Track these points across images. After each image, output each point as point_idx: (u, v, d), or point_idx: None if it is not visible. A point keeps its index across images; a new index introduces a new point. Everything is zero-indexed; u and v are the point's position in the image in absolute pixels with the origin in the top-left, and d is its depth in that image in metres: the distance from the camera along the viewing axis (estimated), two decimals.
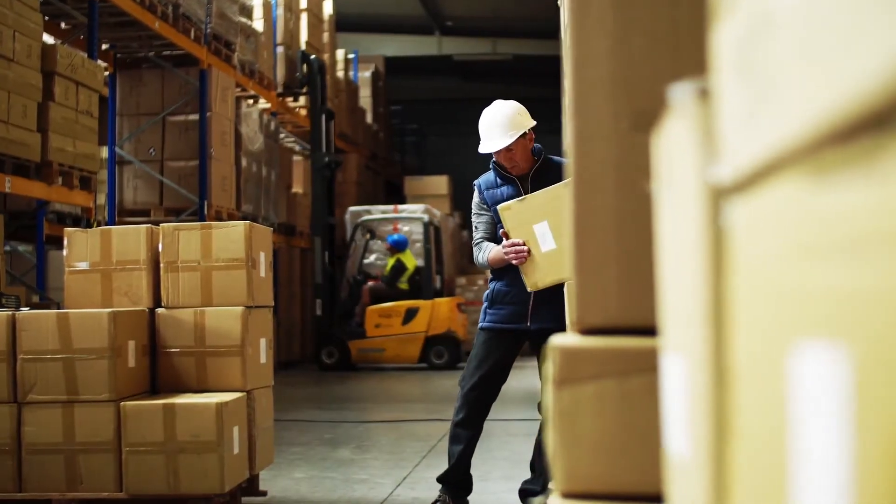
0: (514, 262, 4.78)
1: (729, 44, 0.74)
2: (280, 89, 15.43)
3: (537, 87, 26.55)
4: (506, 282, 5.11)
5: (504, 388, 13.63)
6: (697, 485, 0.85)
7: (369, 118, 21.79)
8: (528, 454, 7.35)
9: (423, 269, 15.93)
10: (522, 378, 14.02)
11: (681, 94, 0.85)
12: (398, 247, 16.02)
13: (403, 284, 15.79)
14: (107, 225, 10.56)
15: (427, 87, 26.92)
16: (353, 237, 16.24)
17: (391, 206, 18.02)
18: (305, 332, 17.26)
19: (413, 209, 17.58)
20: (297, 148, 18.27)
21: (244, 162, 12.82)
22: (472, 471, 6.69)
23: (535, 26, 22.94)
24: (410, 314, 15.35)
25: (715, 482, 0.80)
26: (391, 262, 16.06)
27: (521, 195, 5.05)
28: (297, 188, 17.04)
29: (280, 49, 15.42)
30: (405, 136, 27.03)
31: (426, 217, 16.39)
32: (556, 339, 1.37)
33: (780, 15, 0.62)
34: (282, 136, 16.15)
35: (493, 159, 5.27)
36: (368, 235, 16.71)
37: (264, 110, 14.28)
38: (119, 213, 11.57)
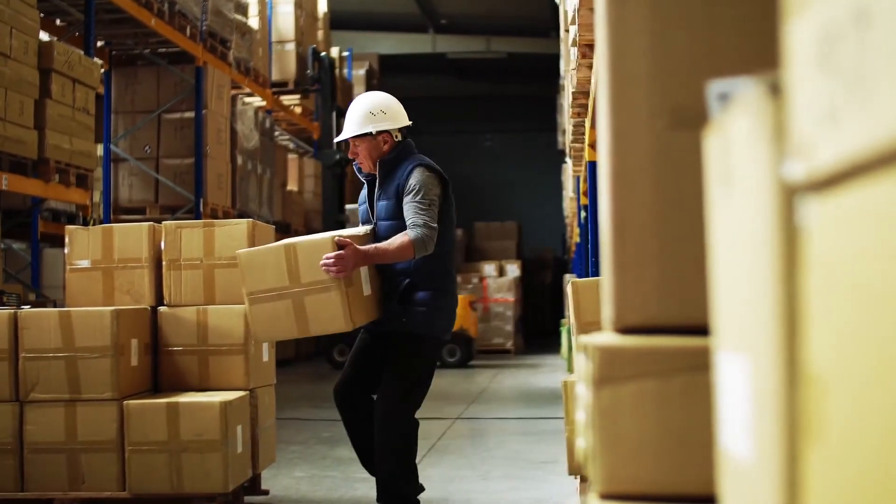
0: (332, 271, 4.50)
1: (808, 39, 0.73)
2: (291, 86, 15.38)
3: (531, 85, 26.62)
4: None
5: (497, 387, 13.64)
6: (764, 488, 0.84)
7: None
8: (526, 452, 7.38)
9: None
10: (516, 377, 14.05)
11: (747, 90, 0.84)
12: None
13: None
14: (102, 223, 10.53)
15: (421, 85, 26.89)
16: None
17: None
18: None
19: None
20: (292, 146, 18.23)
21: (240, 160, 12.79)
22: (472, 470, 6.69)
23: (529, 25, 22.93)
24: None
25: (786, 486, 0.79)
26: None
27: (371, 198, 4.90)
28: (292, 186, 17.01)
29: (290, 46, 15.38)
30: None
31: None
32: (595, 339, 1.36)
33: (878, 11, 0.61)
34: (276, 133, 16.12)
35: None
36: None
37: (259, 108, 14.24)
38: (114, 211, 11.54)
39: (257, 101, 14.86)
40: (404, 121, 4.99)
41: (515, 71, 25.56)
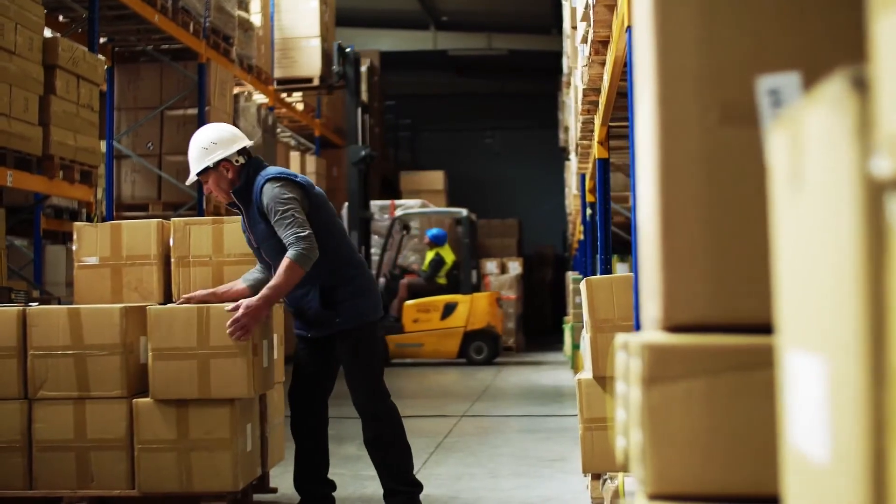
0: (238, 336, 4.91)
1: None
2: (316, 82, 15.34)
3: (532, 82, 26.58)
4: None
5: (501, 384, 13.66)
6: (844, 489, 0.82)
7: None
8: (534, 450, 7.37)
9: (461, 264, 15.90)
10: (519, 374, 14.03)
11: (834, 85, 0.82)
12: (437, 241, 15.99)
13: (441, 279, 15.74)
14: (104, 220, 10.50)
15: (421, 82, 26.86)
16: (391, 232, 16.15)
17: (388, 202, 17.96)
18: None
19: (410, 204, 17.53)
20: (293, 143, 18.21)
21: None
22: (480, 468, 6.68)
23: (530, 22, 22.90)
24: (449, 309, 15.29)
25: (871, 486, 0.77)
26: (430, 256, 16.02)
27: (246, 223, 5.09)
28: None
29: (315, 42, 15.32)
30: (399, 132, 26.97)
31: (464, 212, 16.31)
32: (643, 337, 1.35)
33: None
34: (278, 130, 16.09)
35: None
36: (405, 231, 16.64)
37: (262, 105, 14.21)
38: (117, 208, 11.50)
39: (259, 97, 14.83)
40: (239, 143, 5.12)
41: (516, 68, 25.51)
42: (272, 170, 5.02)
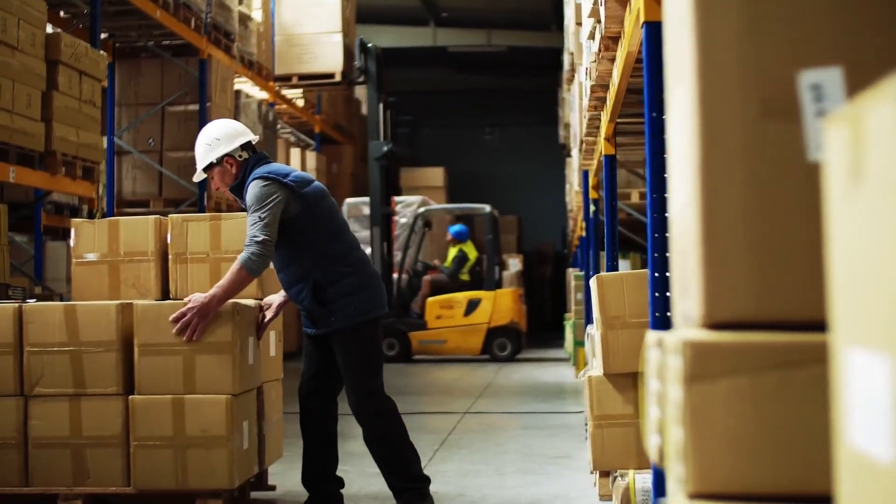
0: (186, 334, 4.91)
1: None
2: (338, 78, 15.30)
3: (531, 78, 26.54)
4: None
5: (502, 381, 13.61)
6: None
7: (364, 109, 21.68)
8: (539, 447, 7.31)
9: (483, 260, 15.89)
10: (520, 371, 13.99)
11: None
12: (460, 237, 15.99)
13: (465, 275, 15.71)
14: (105, 216, 10.44)
15: (421, 78, 26.80)
16: (413, 228, 16.14)
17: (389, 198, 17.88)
18: (300, 323, 17.14)
19: (410, 200, 17.48)
20: (293, 139, 18.16)
21: None
22: (486, 465, 6.63)
23: (530, 18, 22.85)
24: (472, 305, 15.26)
25: None
26: (453, 252, 16.01)
27: None
28: None
29: (337, 38, 15.28)
30: (398, 128, 26.94)
31: (487, 208, 16.28)
32: (684, 335, 1.29)
33: None
34: (278, 126, 16.04)
35: None
36: (427, 227, 16.63)
37: (262, 101, 14.16)
38: (118, 204, 11.45)
39: (258, 92, 14.77)
40: (242, 138, 5.13)
41: (516, 64, 25.47)
42: (263, 168, 4.99)
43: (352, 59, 15.59)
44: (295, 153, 17.16)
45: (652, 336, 1.55)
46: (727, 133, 1.33)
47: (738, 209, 1.31)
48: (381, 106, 15.37)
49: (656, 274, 3.05)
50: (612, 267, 6.26)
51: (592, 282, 4.79)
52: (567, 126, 15.90)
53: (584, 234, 13.59)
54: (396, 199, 17.73)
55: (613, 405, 4.84)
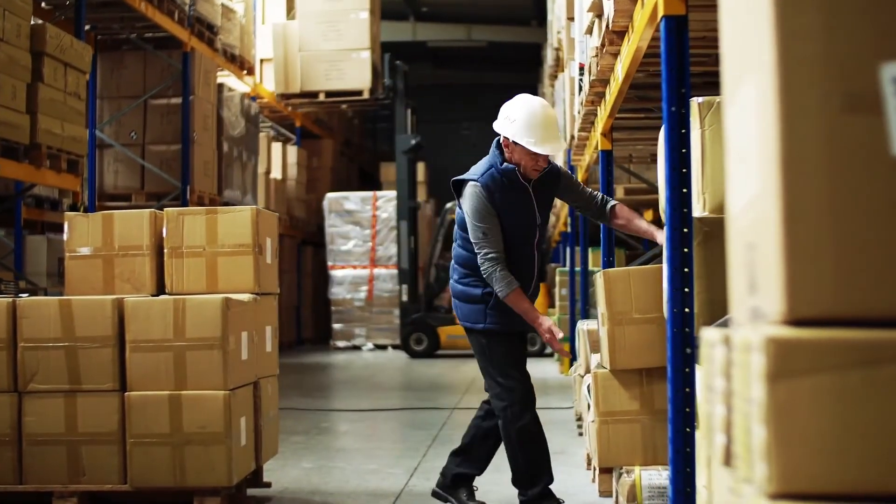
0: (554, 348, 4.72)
1: None
2: (366, 95, 15.25)
3: (511, 73, 26.49)
4: None
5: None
6: None
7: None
8: None
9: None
10: None
11: None
12: None
13: None
14: (87, 210, 10.34)
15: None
16: (442, 222, 16.10)
17: (370, 193, 17.84)
18: (289, 318, 17.19)
19: (391, 195, 17.43)
20: (273, 133, 18.06)
21: (226, 146, 12.62)
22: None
23: (510, 13, 22.83)
24: None
25: None
26: None
27: (533, 203, 4.81)
28: (276, 174, 16.85)
29: (366, 55, 15.22)
30: (378, 123, 26.84)
31: None
32: (766, 331, 1.27)
33: None
34: (259, 121, 15.95)
35: (508, 160, 4.83)
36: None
37: (244, 94, 14.07)
38: (99, 198, 11.34)
39: (238, 85, 14.68)
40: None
41: (495, 60, 25.43)
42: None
43: (377, 76, 15.55)
44: (276, 147, 17.08)
45: (713, 333, 1.53)
46: (809, 126, 1.31)
47: (821, 203, 1.29)
48: (408, 111, 15.46)
49: (679, 269, 3.02)
50: (608, 263, 6.25)
51: (598, 277, 4.77)
52: None
53: (566, 229, 13.58)
54: (378, 194, 17.68)
55: (619, 401, 4.82)
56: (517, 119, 4.73)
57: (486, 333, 4.81)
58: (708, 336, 1.54)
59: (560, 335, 4.62)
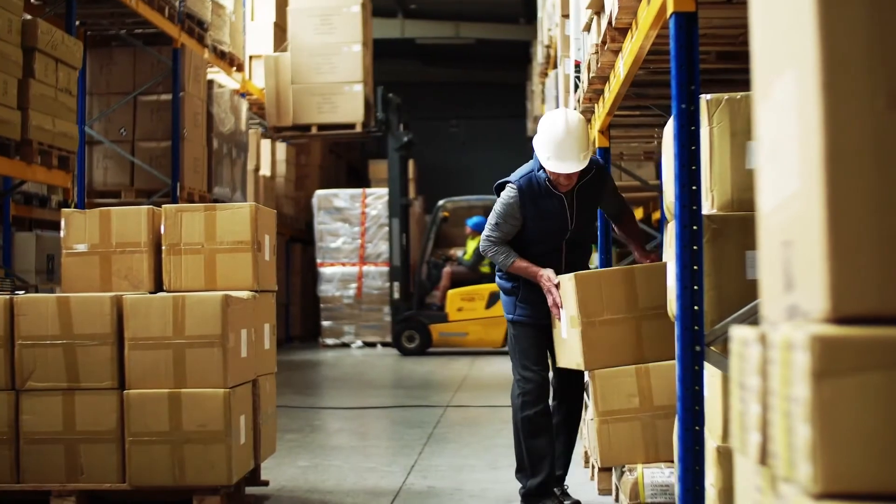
0: (550, 303, 4.92)
1: None
2: (359, 129, 15.22)
3: (500, 71, 26.48)
4: (531, 282, 4.98)
5: (477, 374, 13.55)
6: None
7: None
8: None
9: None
10: (492, 364, 13.95)
11: None
12: (480, 229, 15.94)
13: (485, 267, 15.67)
14: (77, 207, 10.29)
15: (388, 70, 26.67)
16: (434, 219, 16.07)
17: (360, 190, 17.81)
18: (278, 315, 17.10)
19: (380, 193, 17.41)
20: (262, 130, 18.00)
21: (215, 143, 12.58)
22: (478, 459, 6.60)
23: (498, 10, 22.81)
24: (494, 298, 15.17)
25: None
26: (473, 244, 15.98)
27: (567, 211, 4.95)
28: (265, 171, 16.81)
29: (359, 87, 15.15)
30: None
31: None
32: (810, 329, 1.26)
33: None
34: (248, 117, 15.89)
35: (543, 169, 4.90)
36: (444, 220, 16.61)
37: (234, 91, 14.02)
38: (89, 195, 11.27)
39: (228, 81, 14.63)
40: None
41: (484, 57, 25.41)
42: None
43: (370, 109, 15.52)
44: (265, 144, 17.04)
45: (747, 332, 1.52)
46: (854, 123, 1.30)
47: (866, 200, 1.29)
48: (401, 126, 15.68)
49: (688, 266, 3.02)
50: (606, 262, 6.25)
51: (568, 280, 4.77)
52: (537, 120, 15.89)
53: None
54: (367, 191, 17.65)
55: (618, 400, 4.82)
56: (540, 132, 4.92)
57: (515, 324, 5.10)
58: (741, 334, 1.54)
59: (556, 281, 4.86)
